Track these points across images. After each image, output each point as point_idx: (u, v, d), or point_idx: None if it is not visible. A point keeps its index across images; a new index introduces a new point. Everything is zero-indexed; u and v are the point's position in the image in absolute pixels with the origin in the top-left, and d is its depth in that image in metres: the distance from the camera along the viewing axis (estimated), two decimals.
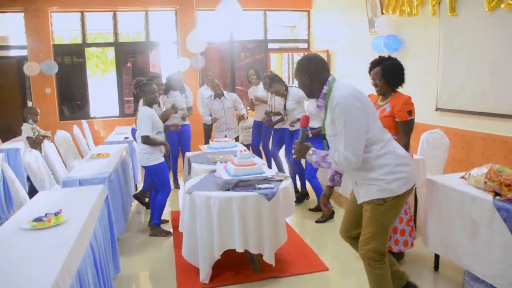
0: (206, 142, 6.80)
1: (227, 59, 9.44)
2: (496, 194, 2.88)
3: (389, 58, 3.49)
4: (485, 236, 2.86)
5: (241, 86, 12.74)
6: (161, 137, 4.42)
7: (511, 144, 4.34)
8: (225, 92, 6.42)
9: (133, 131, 5.51)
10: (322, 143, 2.69)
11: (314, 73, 2.54)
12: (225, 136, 6.24)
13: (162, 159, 4.39)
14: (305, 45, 9.42)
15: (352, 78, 7.50)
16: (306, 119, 2.62)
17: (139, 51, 9.39)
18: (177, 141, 6.31)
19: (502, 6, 4.26)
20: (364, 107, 2.41)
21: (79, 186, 3.69)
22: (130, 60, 9.42)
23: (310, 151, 2.57)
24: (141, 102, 5.30)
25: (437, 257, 3.49)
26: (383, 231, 2.54)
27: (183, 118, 6.22)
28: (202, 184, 3.52)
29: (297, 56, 10.90)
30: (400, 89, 3.47)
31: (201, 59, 7.95)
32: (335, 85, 2.48)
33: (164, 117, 5.02)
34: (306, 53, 2.65)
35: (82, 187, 3.61)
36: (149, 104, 4.36)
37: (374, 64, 3.48)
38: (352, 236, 2.85)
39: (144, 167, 4.47)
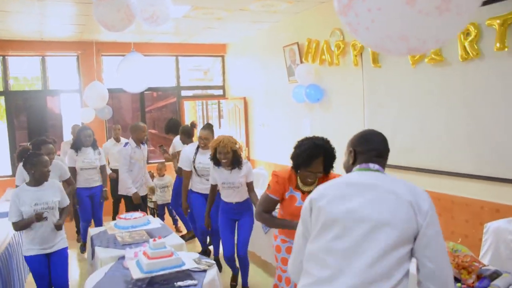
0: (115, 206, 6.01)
1: (136, 106, 8.72)
2: (455, 279, 2.53)
3: (325, 141, 3.03)
4: None
5: (153, 129, 12.07)
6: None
7: (445, 201, 4.14)
8: None
9: None
10: None
11: (360, 154, 1.95)
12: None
13: (34, 252, 3.50)
14: (220, 92, 8.99)
15: (271, 127, 7.17)
16: None
17: (36, 100, 8.32)
18: (89, 206, 5.52)
19: (426, 60, 4.13)
20: (310, 208, 1.84)
21: None
22: (25, 111, 8.30)
23: None
24: (19, 169, 4.45)
25: None
26: None
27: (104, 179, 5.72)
28: (107, 282, 2.81)
29: (211, 103, 10.51)
30: None
31: (108, 110, 7.19)
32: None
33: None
34: (368, 129, 2.08)
35: None
36: (37, 181, 3.50)
37: (317, 151, 2.90)
38: None
39: None
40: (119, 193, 5.52)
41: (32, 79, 8.36)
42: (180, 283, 2.71)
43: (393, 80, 4.61)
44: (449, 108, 4.03)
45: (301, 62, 6.05)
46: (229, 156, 4.08)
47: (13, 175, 7.31)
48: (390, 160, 4.58)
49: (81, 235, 5.74)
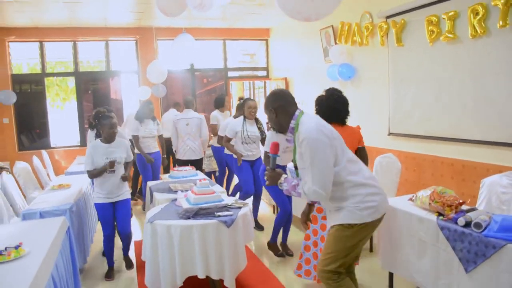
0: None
1: (188, 87, 9.58)
2: (440, 214, 3.10)
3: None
4: (431, 254, 3.05)
5: (203, 113, 12.87)
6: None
7: (457, 166, 4.64)
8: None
9: None
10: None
11: (280, 108, 2.68)
12: None
13: (102, 200, 4.22)
14: (264, 73, 9.70)
15: (310, 104, 7.76)
16: (276, 145, 2.71)
17: (100, 80, 9.42)
18: (150, 167, 6.47)
19: (441, 38, 4.61)
20: (329, 140, 2.47)
21: (40, 219, 3.69)
22: (91, 89, 9.42)
23: (282, 179, 2.67)
24: (90, 134, 5.30)
25: (391, 275, 3.67)
26: (345, 253, 2.59)
27: (162, 147, 6.63)
28: (163, 213, 3.59)
29: (258, 83, 11.19)
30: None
31: (162, 88, 8.08)
32: (301, 118, 2.58)
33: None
34: (273, 89, 2.98)
35: (42, 219, 3.61)
36: (106, 139, 4.24)
37: None
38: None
39: None
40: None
41: (94, 62, 9.36)
42: (219, 213, 3.45)
43: (413, 57, 5.11)
44: (460, 81, 4.51)
45: (335, 43, 6.61)
46: None
47: (82, 145, 8.43)
48: (411, 130, 5.17)
49: (143, 194, 6.62)
